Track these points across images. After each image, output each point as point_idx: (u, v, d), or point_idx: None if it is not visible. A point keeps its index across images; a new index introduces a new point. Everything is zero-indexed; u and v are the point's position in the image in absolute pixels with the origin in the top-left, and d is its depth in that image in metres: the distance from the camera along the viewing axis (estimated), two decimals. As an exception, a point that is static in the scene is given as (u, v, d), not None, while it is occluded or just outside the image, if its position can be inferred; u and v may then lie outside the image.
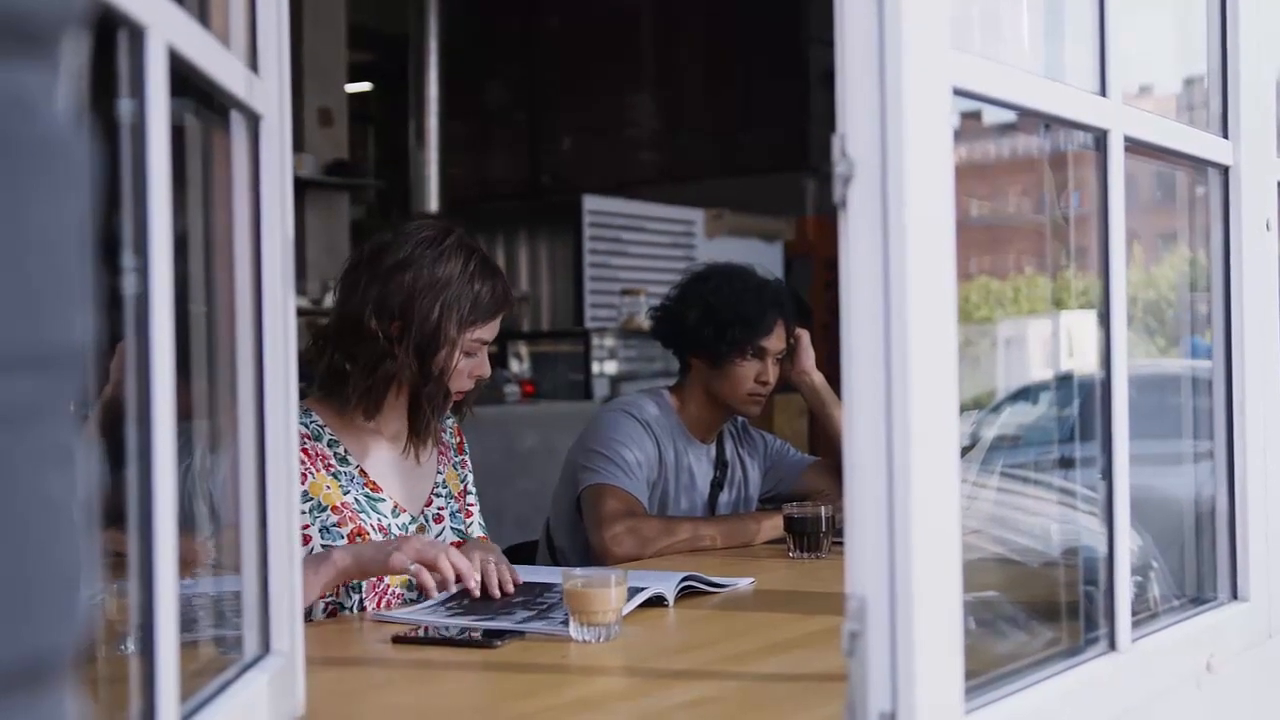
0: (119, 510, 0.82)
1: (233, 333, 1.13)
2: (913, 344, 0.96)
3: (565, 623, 1.62)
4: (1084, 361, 1.46)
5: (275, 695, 1.12)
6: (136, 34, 0.81)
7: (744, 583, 2.02)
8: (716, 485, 2.66)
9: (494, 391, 5.28)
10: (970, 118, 1.22)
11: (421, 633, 1.66)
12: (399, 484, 2.04)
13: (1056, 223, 1.58)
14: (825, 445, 2.83)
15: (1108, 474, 1.30)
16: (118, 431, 0.83)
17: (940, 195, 1.00)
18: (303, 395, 1.97)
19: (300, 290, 6.28)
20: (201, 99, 1.03)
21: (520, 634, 1.64)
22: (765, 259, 6.05)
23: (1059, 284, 1.63)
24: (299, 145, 6.49)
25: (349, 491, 1.97)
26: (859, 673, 0.97)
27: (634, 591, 1.76)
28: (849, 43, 0.97)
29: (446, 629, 1.67)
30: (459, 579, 1.78)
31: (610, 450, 2.46)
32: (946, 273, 1.01)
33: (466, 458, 2.19)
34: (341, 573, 1.78)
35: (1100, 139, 1.30)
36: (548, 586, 1.86)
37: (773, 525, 2.44)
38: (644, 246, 7.03)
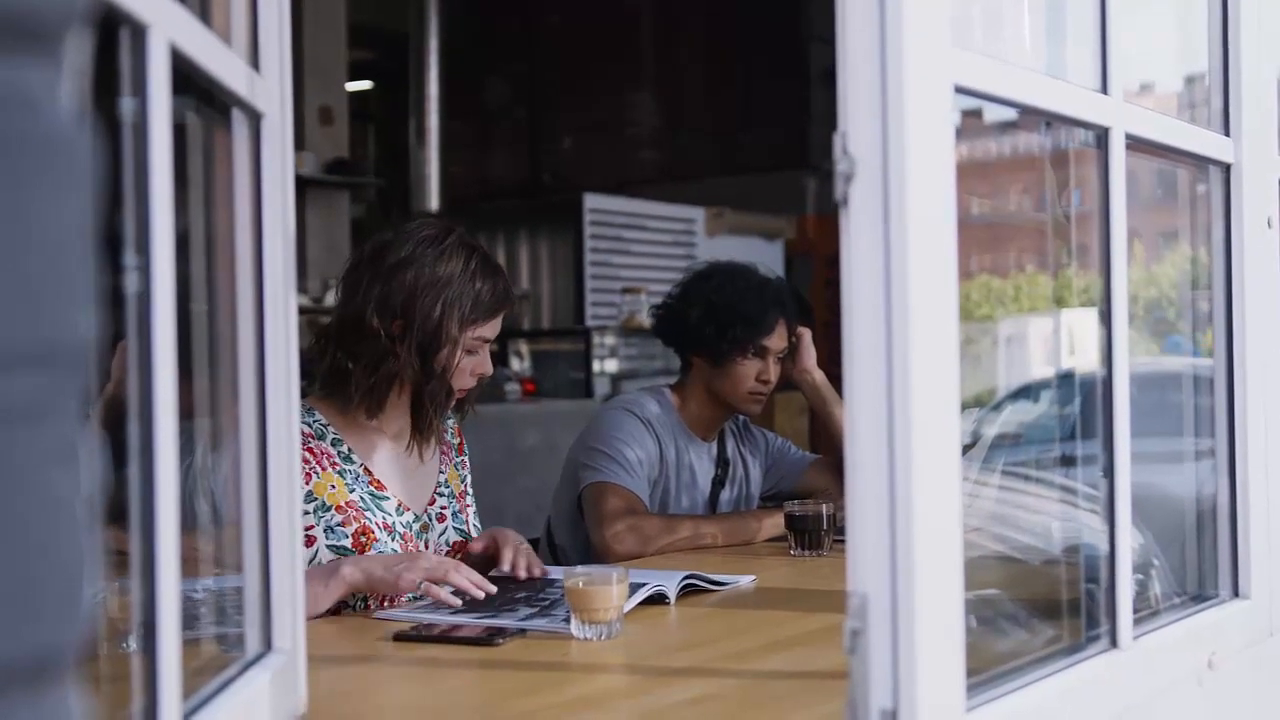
0: (121, 508, 0.82)
1: (234, 330, 1.13)
2: (914, 341, 0.96)
3: (566, 620, 1.62)
4: (1085, 360, 1.47)
5: (277, 693, 1.12)
6: (138, 32, 0.81)
7: (745, 580, 2.02)
8: (718, 483, 2.67)
9: (495, 390, 5.28)
10: (971, 116, 1.22)
11: (423, 631, 1.66)
12: (402, 482, 2.04)
13: (1058, 221, 1.58)
14: (826, 443, 2.83)
15: (1109, 472, 1.30)
16: (120, 430, 0.83)
17: (941, 193, 1.00)
18: (304, 394, 1.97)
19: (301, 289, 6.28)
20: (203, 97, 1.03)
21: (522, 632, 1.64)
22: (766, 257, 6.05)
23: (1060, 282, 1.63)
24: (299, 144, 6.48)
25: (354, 490, 1.97)
26: (860, 670, 0.97)
27: (635, 589, 1.76)
28: (850, 40, 0.97)
29: (448, 627, 1.67)
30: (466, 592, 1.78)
31: (611, 448, 2.46)
32: (948, 270, 1.01)
33: (466, 458, 2.19)
34: (350, 588, 1.79)
35: (1101, 136, 1.30)
36: (549, 583, 1.87)
37: (774, 523, 2.44)
38: (645, 245, 7.03)
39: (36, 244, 0.51)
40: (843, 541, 2.06)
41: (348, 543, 1.93)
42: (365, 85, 9.09)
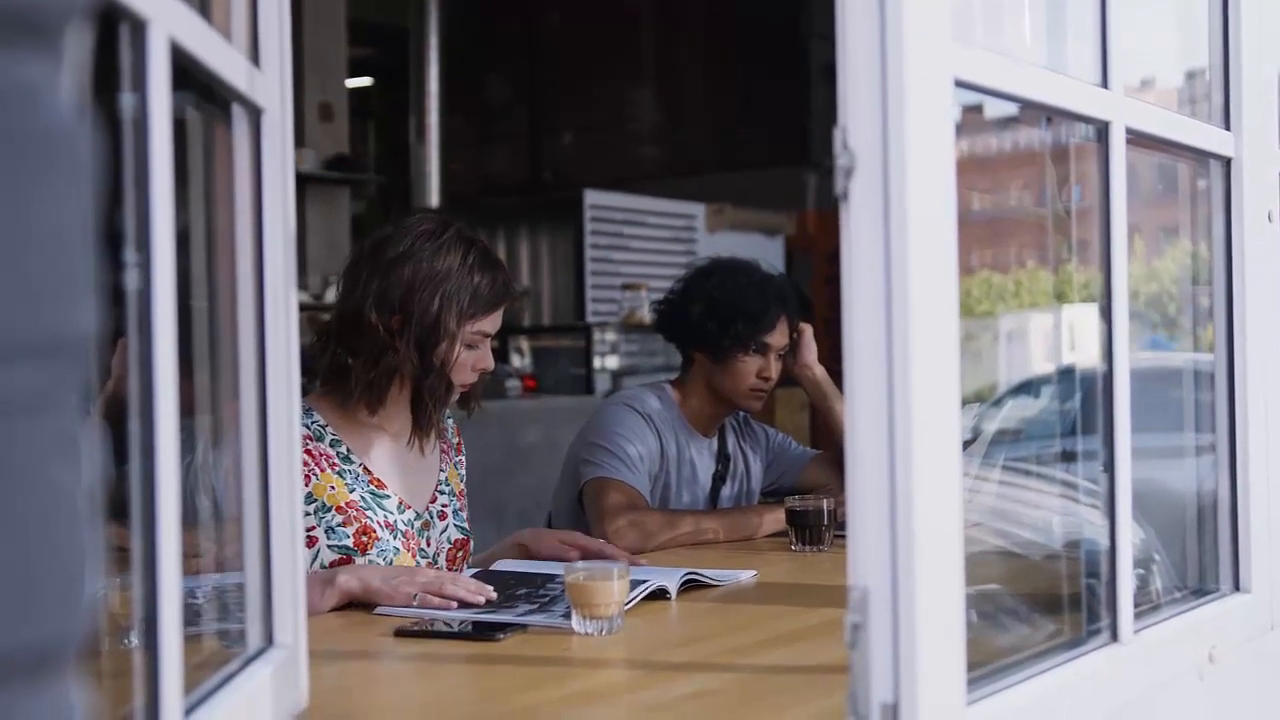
0: (122, 505, 0.82)
1: (235, 327, 1.13)
2: (914, 336, 0.96)
3: (567, 616, 1.63)
4: (1086, 355, 1.47)
5: (278, 688, 1.12)
6: (138, 27, 0.81)
7: (746, 575, 2.02)
8: (719, 479, 2.67)
9: (495, 386, 5.28)
10: (972, 111, 1.22)
11: (424, 626, 1.66)
12: (403, 480, 2.04)
13: (1058, 216, 1.58)
14: (827, 439, 2.83)
15: (1110, 467, 1.30)
16: (121, 426, 0.83)
17: (942, 187, 1.00)
18: (305, 392, 1.97)
19: (301, 286, 6.28)
20: (203, 92, 1.03)
21: (522, 627, 1.64)
22: (766, 254, 6.05)
23: (1061, 278, 1.63)
24: (300, 140, 6.48)
25: (354, 489, 1.97)
26: (861, 664, 0.97)
27: (635, 584, 1.76)
28: (850, 35, 0.97)
29: (449, 622, 1.67)
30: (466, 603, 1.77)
31: (612, 444, 2.47)
32: (948, 265, 1.01)
33: (463, 459, 2.19)
34: (346, 596, 1.79)
35: (1102, 131, 1.30)
36: (550, 578, 1.87)
37: (774, 518, 2.44)
38: (645, 241, 7.03)
39: (37, 237, 0.51)
40: (843, 537, 2.06)
41: (349, 542, 1.93)
42: (365, 82, 9.09)
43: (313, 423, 1.97)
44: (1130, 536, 1.30)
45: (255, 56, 1.12)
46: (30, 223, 0.50)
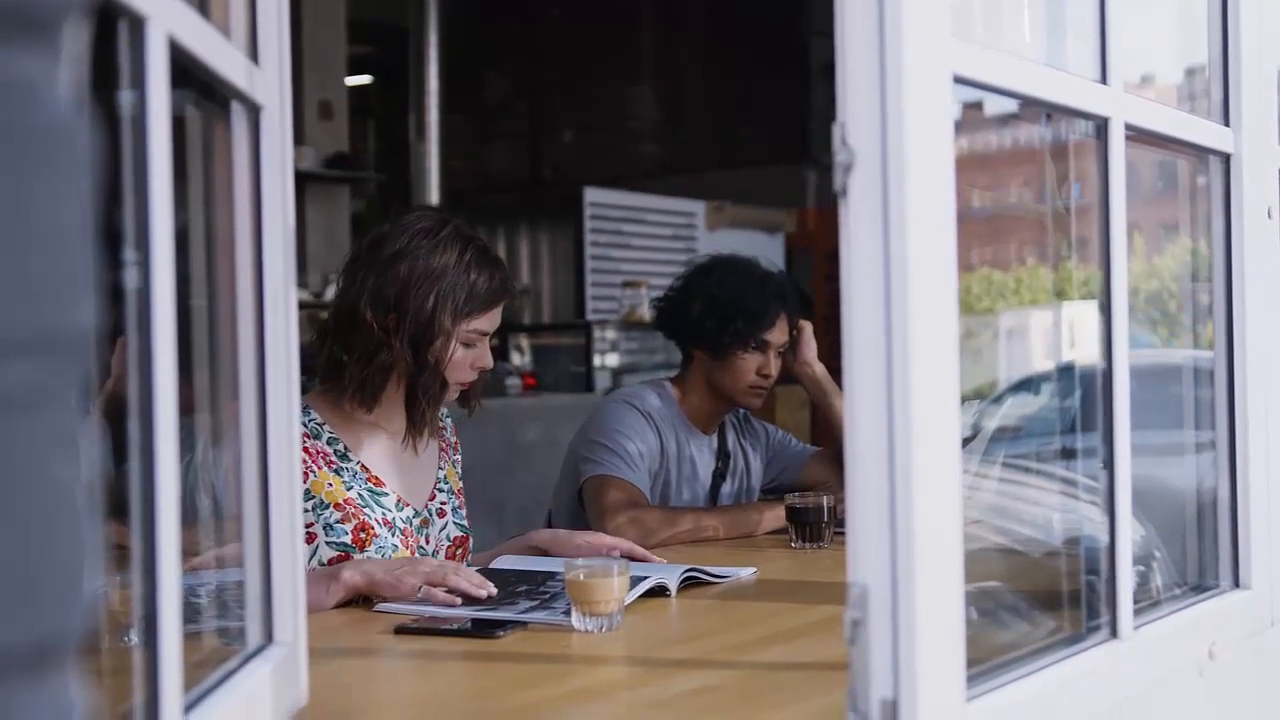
0: (122, 503, 0.82)
1: (234, 325, 1.13)
2: (913, 332, 0.96)
3: (567, 613, 1.63)
4: (1086, 352, 1.47)
5: (278, 685, 1.12)
6: (137, 24, 0.81)
7: (746, 572, 2.02)
8: (719, 476, 2.67)
9: (495, 384, 5.28)
10: (972, 108, 1.22)
11: (424, 623, 1.66)
12: (401, 478, 2.04)
13: (1058, 213, 1.58)
14: (827, 436, 2.84)
15: (1109, 463, 1.30)
16: (121, 425, 0.83)
17: (941, 183, 1.00)
18: (303, 390, 1.97)
19: (301, 284, 6.28)
20: (202, 90, 1.03)
21: (522, 624, 1.64)
22: (766, 251, 6.05)
23: (1061, 275, 1.63)
24: (299, 138, 6.48)
25: (352, 487, 1.97)
26: (860, 660, 0.97)
27: (635, 581, 1.76)
28: (849, 30, 0.97)
29: (449, 620, 1.68)
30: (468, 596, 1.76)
31: (612, 441, 2.47)
32: (947, 261, 1.01)
33: (459, 457, 2.19)
34: (351, 591, 1.79)
35: (1101, 127, 1.29)
36: (550, 575, 1.87)
37: (774, 515, 2.44)
38: (645, 239, 7.03)
39: (36, 233, 0.51)
40: (843, 534, 2.06)
41: (348, 539, 1.93)
42: (365, 80, 9.09)
43: (310, 420, 1.97)
44: (1130, 533, 1.30)
45: (254, 54, 1.12)
46: (28, 219, 0.50)
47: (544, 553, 2.09)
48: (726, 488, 2.68)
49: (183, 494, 0.86)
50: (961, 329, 1.04)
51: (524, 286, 7.08)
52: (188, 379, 0.94)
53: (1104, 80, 1.29)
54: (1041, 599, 1.46)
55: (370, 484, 1.99)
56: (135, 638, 0.87)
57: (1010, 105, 1.30)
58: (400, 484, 2.03)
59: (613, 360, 6.38)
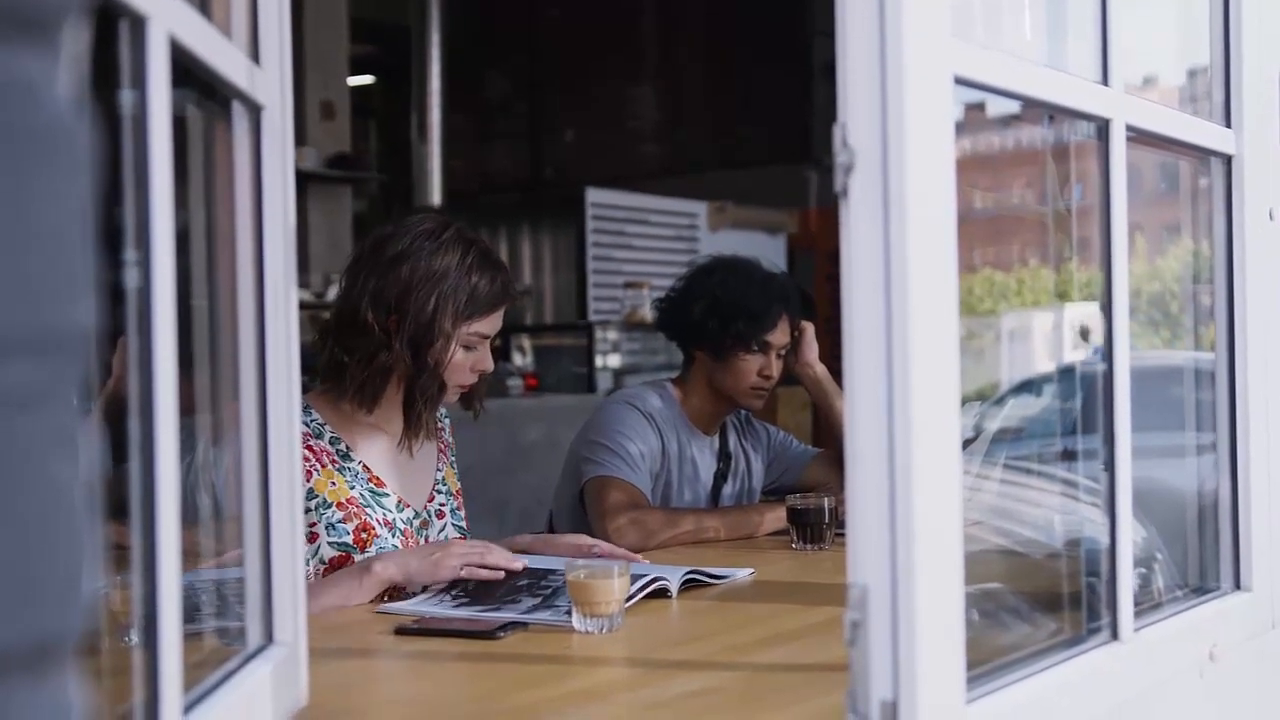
0: (122, 504, 0.82)
1: (235, 325, 1.13)
2: (914, 333, 0.96)
3: (568, 613, 1.63)
4: (1087, 354, 1.47)
5: (278, 685, 1.12)
6: (138, 24, 0.81)
7: (743, 573, 2.02)
8: (720, 477, 2.67)
9: (497, 385, 5.29)
10: (974, 109, 1.22)
11: (425, 624, 1.66)
12: (401, 479, 2.04)
13: (1060, 215, 1.58)
14: (828, 437, 2.83)
15: (1110, 465, 1.30)
16: (122, 425, 0.83)
17: (942, 184, 1.00)
18: (305, 390, 1.97)
19: (303, 284, 6.29)
20: (203, 90, 1.03)
21: (523, 625, 1.64)
22: (768, 252, 6.05)
23: (1063, 276, 1.63)
24: (301, 139, 6.49)
25: (354, 487, 1.97)
26: (860, 662, 0.97)
27: (635, 582, 1.76)
28: (850, 31, 0.97)
29: (449, 620, 1.68)
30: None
31: (613, 442, 2.47)
32: (948, 262, 1.01)
33: (454, 458, 2.19)
34: (385, 583, 1.81)
35: (1102, 128, 1.29)
36: (549, 572, 1.87)
37: (775, 517, 2.44)
38: (647, 239, 7.03)
39: (36, 232, 0.51)
40: (844, 535, 2.06)
41: (349, 539, 1.93)
42: (367, 80, 9.10)
43: (311, 420, 1.98)
44: (1130, 535, 1.30)
45: (255, 54, 1.12)
46: (28, 219, 0.50)
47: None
48: (728, 489, 2.68)
49: (183, 494, 0.86)
50: (963, 330, 1.04)
51: (526, 287, 7.08)
52: (188, 379, 0.94)
53: (1105, 81, 1.29)
54: (1042, 600, 1.45)
55: (372, 484, 1.99)
56: (135, 638, 0.87)
57: (1013, 106, 1.30)
58: (400, 485, 2.03)
59: (614, 361, 6.38)
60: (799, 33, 7.72)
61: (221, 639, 1.19)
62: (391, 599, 1.84)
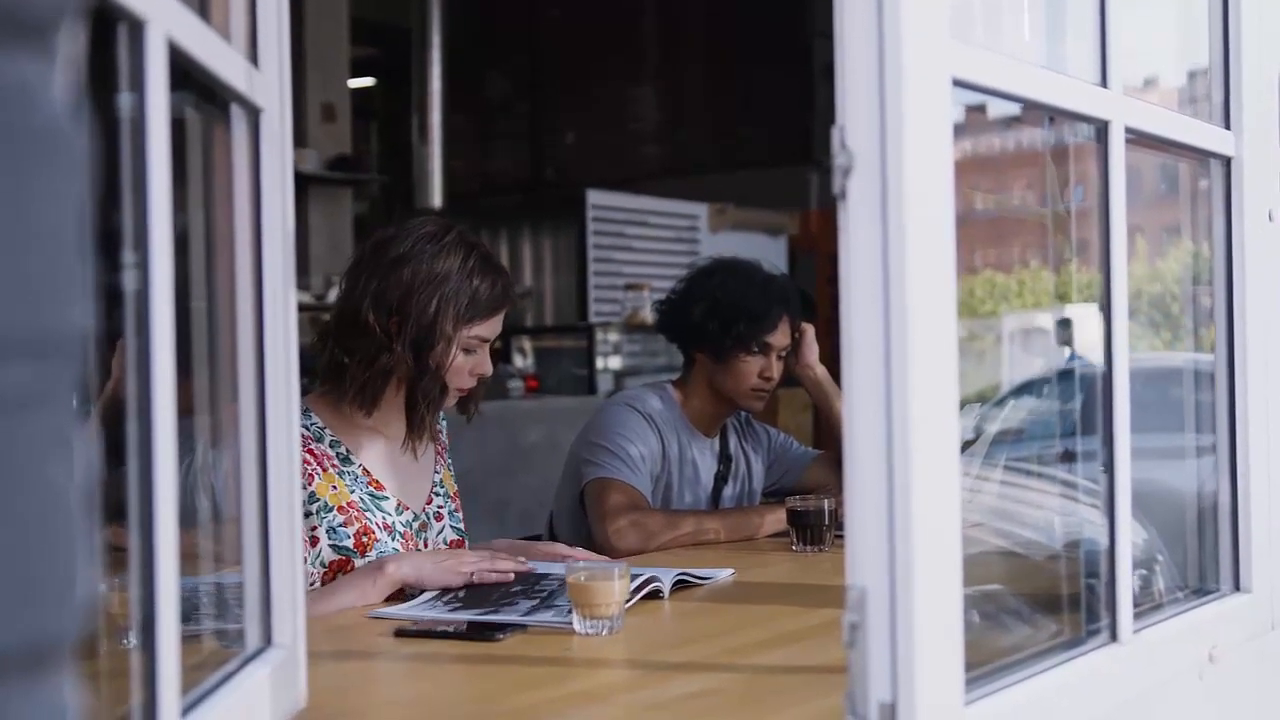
0: (121, 506, 0.82)
1: (234, 328, 1.13)
2: (912, 335, 0.96)
3: (568, 614, 1.63)
4: (1087, 355, 1.46)
5: (277, 688, 1.12)
6: (136, 27, 0.81)
7: (724, 574, 2.03)
8: (720, 479, 2.67)
9: (498, 386, 5.29)
10: (975, 111, 1.22)
11: (424, 626, 1.66)
12: (400, 482, 2.04)
13: (1061, 216, 1.58)
14: (829, 439, 2.83)
15: (1109, 466, 1.30)
16: (120, 427, 0.83)
17: (940, 187, 1.00)
18: (304, 392, 1.98)
19: (303, 286, 6.29)
20: (202, 93, 1.03)
21: (523, 627, 1.64)
22: (769, 254, 6.05)
23: (1063, 278, 1.63)
24: (302, 141, 6.49)
25: (354, 491, 1.97)
26: (859, 663, 0.97)
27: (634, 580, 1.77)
28: (848, 33, 0.97)
29: (448, 622, 1.67)
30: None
31: (614, 444, 2.47)
32: (946, 264, 1.01)
33: (450, 460, 2.20)
34: (398, 583, 1.82)
35: (1101, 130, 1.29)
36: (543, 576, 1.87)
37: (775, 518, 2.44)
38: (647, 241, 7.03)
39: (32, 234, 0.51)
40: (844, 537, 2.06)
41: (349, 543, 1.93)
42: (368, 82, 9.10)
43: (311, 424, 1.98)
44: (1130, 536, 1.30)
45: (254, 56, 1.13)
46: (24, 221, 0.50)
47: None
48: (728, 490, 2.68)
49: (182, 496, 0.86)
50: (964, 332, 1.04)
51: (526, 288, 7.09)
52: (187, 381, 0.94)
53: (1104, 83, 1.29)
54: (1042, 602, 1.45)
55: (371, 488, 2.00)
56: (134, 640, 0.87)
57: (1013, 108, 1.30)
58: (399, 488, 2.04)
59: (615, 363, 6.38)
60: (799, 34, 7.72)
61: (220, 641, 1.19)
62: (389, 602, 1.84)
